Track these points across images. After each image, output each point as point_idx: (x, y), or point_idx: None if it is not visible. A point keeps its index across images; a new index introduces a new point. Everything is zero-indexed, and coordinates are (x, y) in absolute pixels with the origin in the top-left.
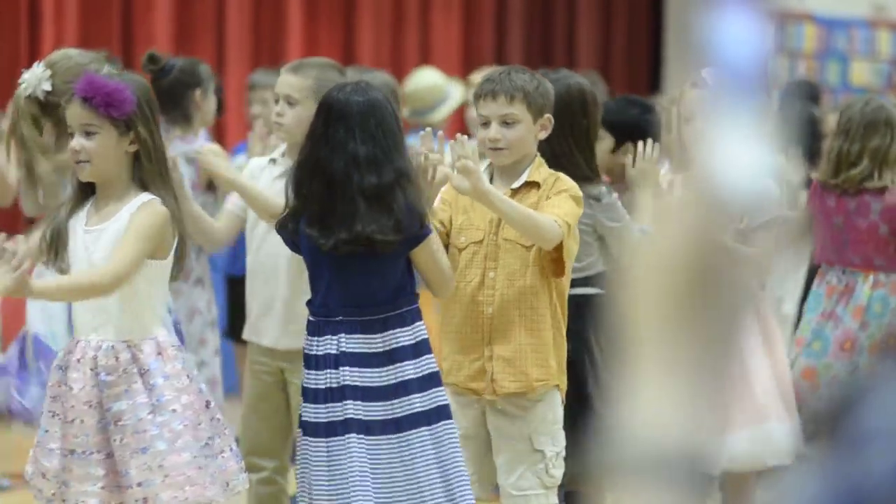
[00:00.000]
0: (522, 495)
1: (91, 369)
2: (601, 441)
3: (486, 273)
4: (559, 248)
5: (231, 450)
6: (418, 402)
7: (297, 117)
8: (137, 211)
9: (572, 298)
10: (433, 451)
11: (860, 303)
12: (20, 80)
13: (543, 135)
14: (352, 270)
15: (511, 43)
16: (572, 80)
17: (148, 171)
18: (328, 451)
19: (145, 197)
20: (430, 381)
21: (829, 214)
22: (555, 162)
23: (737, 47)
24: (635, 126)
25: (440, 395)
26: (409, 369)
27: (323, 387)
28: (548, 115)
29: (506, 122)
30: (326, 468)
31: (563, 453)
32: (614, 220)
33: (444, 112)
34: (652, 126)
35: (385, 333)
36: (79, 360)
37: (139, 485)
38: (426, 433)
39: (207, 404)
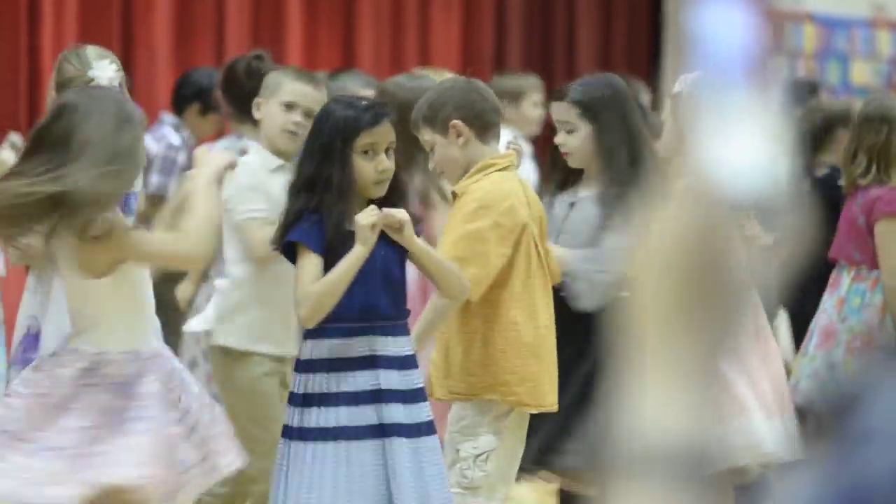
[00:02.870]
0: (451, 491)
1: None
2: (603, 440)
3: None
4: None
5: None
6: (425, 411)
7: None
8: None
9: None
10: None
11: (841, 294)
12: None
13: (460, 141)
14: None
15: (511, 43)
16: (614, 80)
17: None
18: (313, 456)
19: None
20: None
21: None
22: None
23: (726, 41)
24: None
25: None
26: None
27: (358, 390)
28: (452, 122)
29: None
30: (299, 472)
31: (485, 456)
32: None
33: None
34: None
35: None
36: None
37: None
38: (435, 442)
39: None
